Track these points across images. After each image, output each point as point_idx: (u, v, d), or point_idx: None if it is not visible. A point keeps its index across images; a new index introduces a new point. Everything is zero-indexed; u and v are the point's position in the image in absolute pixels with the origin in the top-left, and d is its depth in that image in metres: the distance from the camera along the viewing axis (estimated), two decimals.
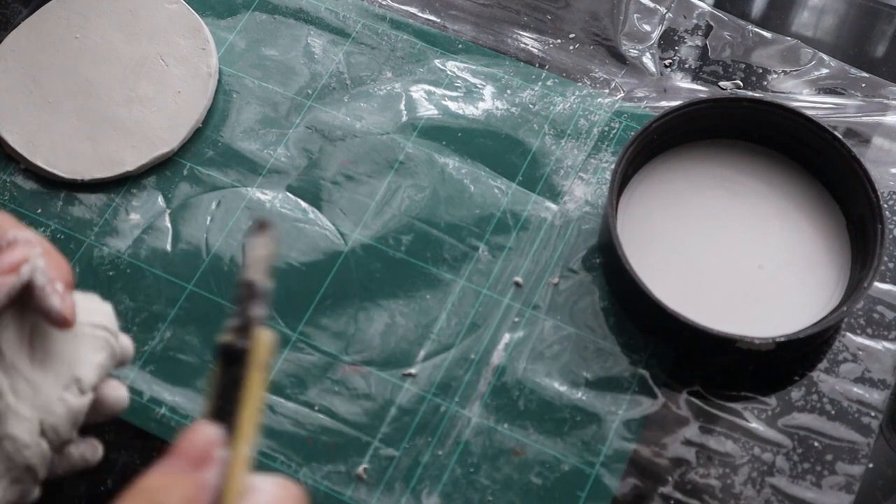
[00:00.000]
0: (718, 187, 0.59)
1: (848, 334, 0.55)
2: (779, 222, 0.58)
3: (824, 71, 0.64)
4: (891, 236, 0.58)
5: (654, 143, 0.58)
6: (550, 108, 0.62)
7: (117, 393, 0.47)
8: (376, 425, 0.53)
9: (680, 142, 0.59)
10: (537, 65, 0.64)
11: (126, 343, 0.47)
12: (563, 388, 0.54)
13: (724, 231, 0.57)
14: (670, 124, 0.57)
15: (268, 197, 0.60)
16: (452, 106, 0.63)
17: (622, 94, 0.63)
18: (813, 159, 0.58)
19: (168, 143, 0.61)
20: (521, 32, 0.66)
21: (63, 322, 0.42)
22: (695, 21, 0.66)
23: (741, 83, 0.63)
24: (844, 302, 0.53)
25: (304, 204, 0.60)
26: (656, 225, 0.57)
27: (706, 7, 0.67)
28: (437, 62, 0.64)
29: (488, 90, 0.63)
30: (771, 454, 0.52)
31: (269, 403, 0.54)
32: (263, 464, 0.52)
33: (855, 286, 0.54)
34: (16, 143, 0.61)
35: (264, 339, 0.36)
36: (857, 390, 0.54)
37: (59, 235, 0.59)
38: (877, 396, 0.54)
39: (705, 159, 0.59)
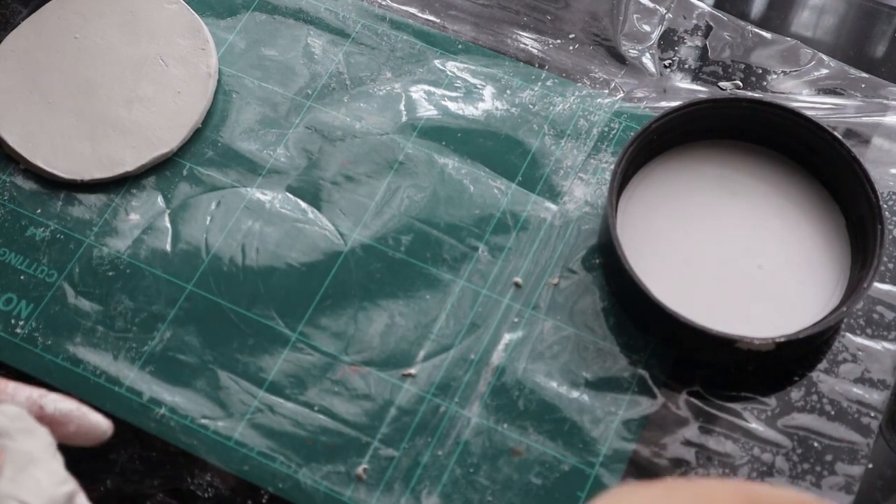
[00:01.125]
0: (718, 187, 0.59)
1: (848, 335, 0.55)
2: (779, 222, 0.58)
3: (824, 71, 0.64)
4: (890, 236, 0.58)
5: (654, 143, 0.58)
6: (550, 109, 0.62)
7: None
8: (376, 425, 0.53)
9: (680, 142, 0.59)
10: (537, 65, 0.64)
11: None
12: (562, 389, 0.54)
13: (724, 231, 0.57)
14: (670, 124, 0.57)
15: (267, 197, 0.60)
16: (452, 106, 0.63)
17: (622, 95, 0.63)
18: (813, 159, 0.58)
19: (168, 143, 0.61)
20: (521, 33, 0.66)
21: None
22: (694, 21, 0.66)
23: (741, 83, 0.63)
24: (844, 302, 0.54)
25: (303, 204, 0.60)
26: (656, 225, 0.58)
27: (706, 7, 0.67)
28: (436, 62, 0.64)
29: (488, 90, 0.63)
30: (771, 454, 0.52)
31: (269, 403, 0.54)
32: (262, 464, 0.52)
33: (855, 286, 0.54)
34: (15, 143, 0.61)
35: None
36: (857, 391, 0.54)
37: (58, 235, 0.59)
38: (876, 397, 0.54)
39: (705, 159, 0.59)
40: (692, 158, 0.59)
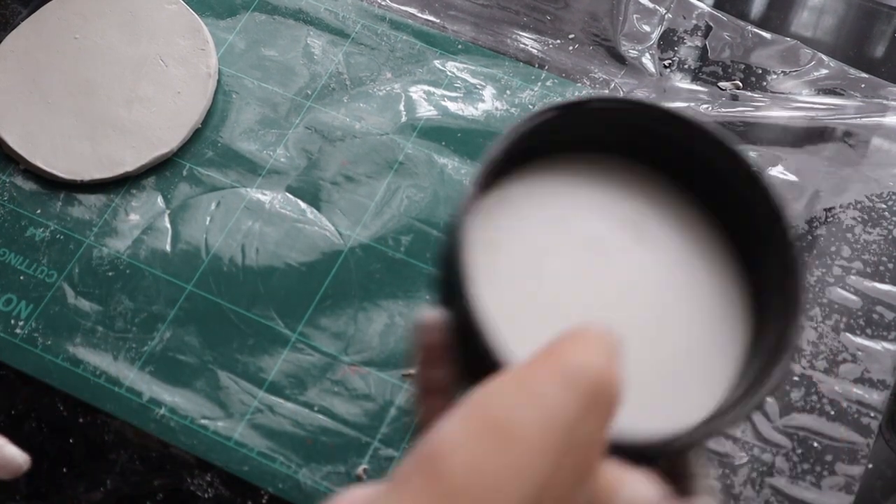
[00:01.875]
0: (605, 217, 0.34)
1: (848, 335, 0.55)
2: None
3: (823, 71, 0.64)
4: (890, 237, 0.58)
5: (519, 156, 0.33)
6: None
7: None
8: (376, 426, 0.53)
9: (550, 152, 0.34)
10: (537, 65, 0.64)
11: None
12: None
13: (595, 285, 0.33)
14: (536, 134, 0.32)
15: (267, 197, 0.60)
16: (452, 106, 0.63)
17: (621, 95, 0.63)
18: (709, 185, 0.34)
19: (167, 143, 0.61)
20: (521, 33, 0.66)
21: None
22: (694, 21, 0.66)
23: (741, 83, 0.64)
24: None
25: (303, 204, 0.60)
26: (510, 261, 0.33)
27: (705, 7, 0.67)
28: (436, 63, 0.64)
29: (488, 91, 0.63)
30: (771, 454, 0.52)
31: (269, 404, 0.54)
32: (262, 464, 0.52)
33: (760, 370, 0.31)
34: (15, 143, 0.61)
35: None
36: (857, 391, 0.54)
37: (58, 236, 0.59)
38: (876, 397, 0.54)
39: (585, 176, 0.35)
40: (567, 173, 0.35)
